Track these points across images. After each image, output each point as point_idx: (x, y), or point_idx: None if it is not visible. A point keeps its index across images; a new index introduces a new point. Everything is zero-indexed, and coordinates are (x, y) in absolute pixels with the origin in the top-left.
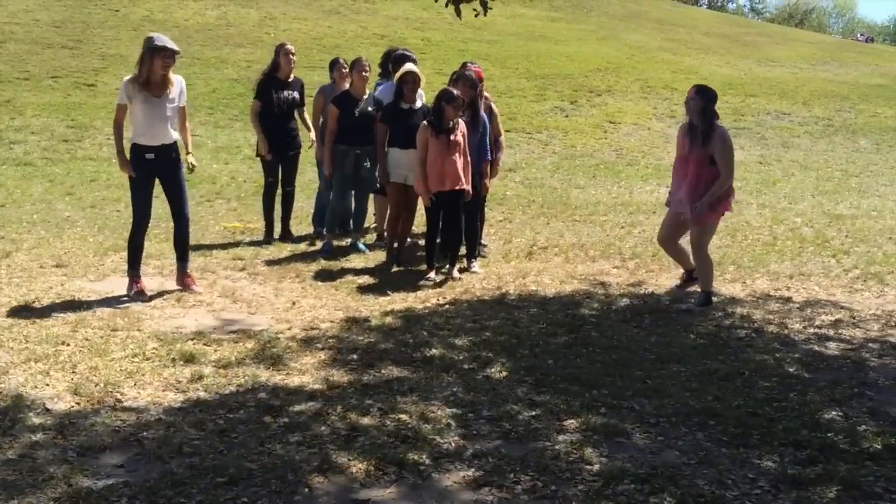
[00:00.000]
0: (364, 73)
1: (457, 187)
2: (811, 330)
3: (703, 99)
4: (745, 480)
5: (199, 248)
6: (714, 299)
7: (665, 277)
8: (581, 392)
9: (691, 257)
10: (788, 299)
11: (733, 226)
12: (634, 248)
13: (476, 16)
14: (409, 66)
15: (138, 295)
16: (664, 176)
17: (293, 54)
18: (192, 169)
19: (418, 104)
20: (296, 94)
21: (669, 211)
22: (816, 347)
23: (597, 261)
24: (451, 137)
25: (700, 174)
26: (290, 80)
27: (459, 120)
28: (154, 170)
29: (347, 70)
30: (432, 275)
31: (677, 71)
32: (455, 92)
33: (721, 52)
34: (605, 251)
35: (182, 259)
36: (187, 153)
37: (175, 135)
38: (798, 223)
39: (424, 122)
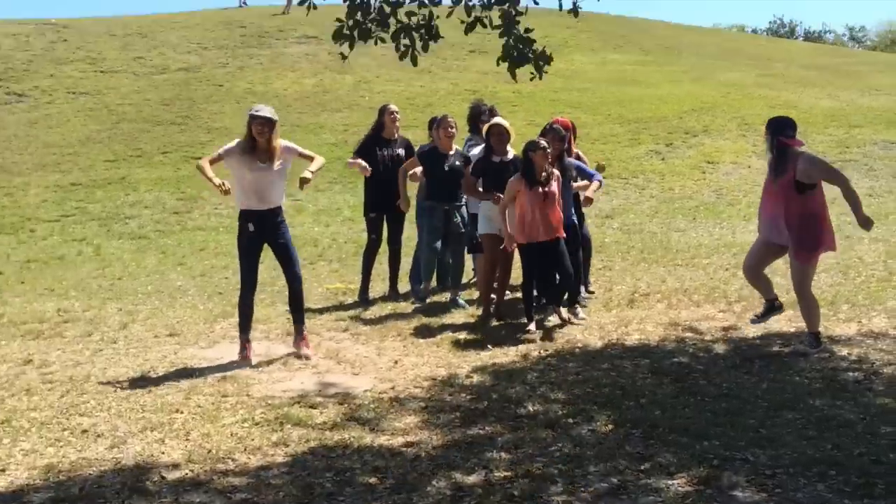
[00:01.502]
0: (450, 130)
1: (553, 237)
2: None
3: (770, 131)
4: None
5: None
6: (822, 340)
7: (774, 320)
8: (691, 443)
9: (772, 287)
10: None
11: (845, 262)
12: (740, 290)
13: (531, 79)
14: (496, 119)
15: (243, 360)
16: None
17: (397, 113)
18: (302, 183)
19: (510, 156)
20: (400, 152)
21: (758, 240)
22: None
23: (701, 305)
24: (546, 189)
25: (788, 204)
26: (394, 138)
27: (554, 171)
28: (259, 236)
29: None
30: (532, 327)
31: (775, 106)
32: (540, 140)
33: (821, 84)
34: (710, 295)
35: (299, 321)
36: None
37: (281, 199)
38: None
39: (517, 174)
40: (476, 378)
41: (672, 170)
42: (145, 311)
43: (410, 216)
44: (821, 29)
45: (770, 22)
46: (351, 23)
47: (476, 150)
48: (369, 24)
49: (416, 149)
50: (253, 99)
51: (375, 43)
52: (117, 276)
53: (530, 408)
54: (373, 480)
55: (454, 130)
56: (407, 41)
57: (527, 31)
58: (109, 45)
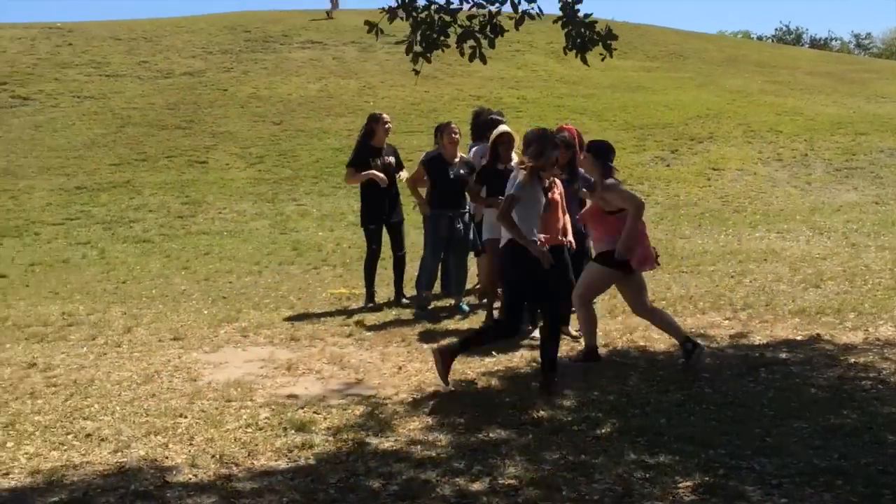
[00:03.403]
0: (454, 136)
1: (558, 243)
2: None
3: (597, 157)
4: None
5: (306, 315)
6: (600, 357)
7: (780, 328)
8: (696, 452)
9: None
10: None
11: (851, 270)
12: (746, 297)
13: (602, 59)
14: (503, 126)
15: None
16: (773, 221)
17: (390, 124)
18: None
19: (514, 163)
20: (391, 159)
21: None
22: None
23: (707, 313)
24: (549, 196)
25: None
26: (383, 146)
27: (556, 179)
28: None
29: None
30: (537, 333)
31: (781, 113)
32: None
33: (827, 91)
34: (715, 302)
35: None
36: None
37: None
38: None
39: None
40: (481, 384)
41: (677, 176)
42: (149, 315)
43: (413, 220)
44: (827, 36)
45: (776, 29)
46: (419, 37)
47: (473, 151)
48: (434, 36)
49: (422, 156)
50: (258, 104)
51: (442, 51)
52: (121, 279)
53: (535, 414)
54: (376, 486)
55: (457, 136)
56: (472, 42)
57: (586, 16)
58: (114, 48)
